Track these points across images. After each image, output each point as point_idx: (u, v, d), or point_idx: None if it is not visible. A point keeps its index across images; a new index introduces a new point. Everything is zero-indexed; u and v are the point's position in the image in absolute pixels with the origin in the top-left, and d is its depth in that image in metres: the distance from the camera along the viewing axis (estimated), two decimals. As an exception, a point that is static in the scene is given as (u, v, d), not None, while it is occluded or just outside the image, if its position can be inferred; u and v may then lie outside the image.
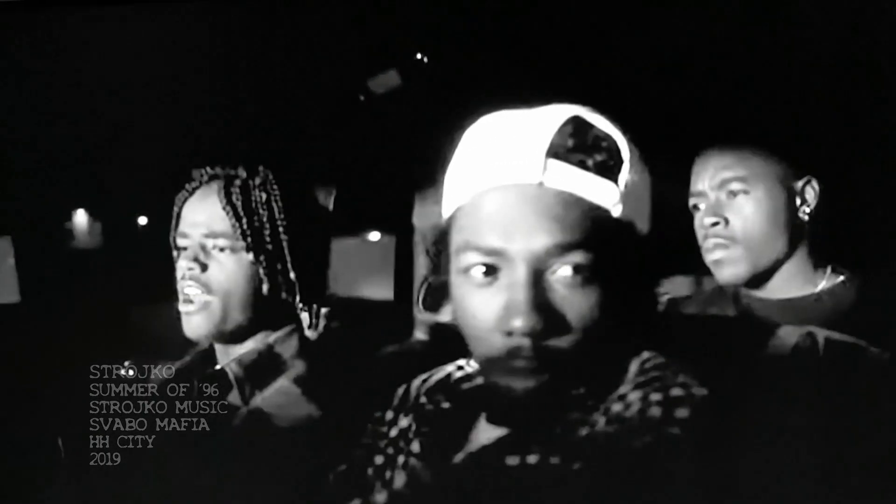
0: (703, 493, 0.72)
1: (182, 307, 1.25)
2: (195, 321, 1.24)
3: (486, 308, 0.77)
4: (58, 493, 1.20)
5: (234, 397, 1.25)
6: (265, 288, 1.25)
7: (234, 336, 1.27)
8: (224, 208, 1.24)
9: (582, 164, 0.76)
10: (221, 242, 1.24)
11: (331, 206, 1.79)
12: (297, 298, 1.28)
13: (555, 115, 0.79)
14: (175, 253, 1.29)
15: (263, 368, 1.26)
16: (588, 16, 1.06)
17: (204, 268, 1.24)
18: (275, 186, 1.28)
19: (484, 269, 0.77)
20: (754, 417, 0.89)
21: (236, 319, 1.26)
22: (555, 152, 0.76)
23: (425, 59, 1.16)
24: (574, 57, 1.20)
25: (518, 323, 0.74)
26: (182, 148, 1.50)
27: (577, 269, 0.75)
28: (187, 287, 1.24)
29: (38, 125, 1.39)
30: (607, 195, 0.77)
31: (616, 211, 0.77)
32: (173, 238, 1.29)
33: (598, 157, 0.76)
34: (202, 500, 1.13)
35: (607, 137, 0.78)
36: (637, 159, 0.81)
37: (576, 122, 0.78)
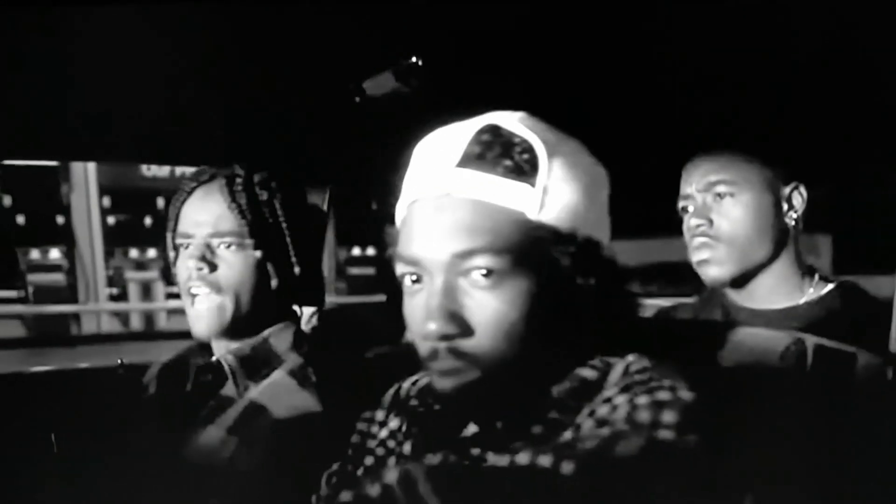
0: (694, 497, 0.73)
1: (191, 308, 1.24)
2: (206, 321, 1.23)
3: (415, 314, 0.82)
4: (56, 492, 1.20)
5: (229, 389, 1.25)
6: (274, 283, 1.26)
7: (240, 332, 1.26)
8: (229, 206, 1.24)
9: (492, 171, 0.78)
10: (228, 240, 1.23)
11: (324, 206, 1.79)
12: (299, 294, 1.29)
13: (472, 125, 0.81)
14: (173, 253, 1.27)
15: (258, 361, 1.27)
16: (583, 21, 1.07)
17: (213, 268, 1.23)
18: (273, 185, 1.29)
19: (414, 277, 0.82)
20: (743, 422, 0.90)
21: (245, 316, 1.25)
22: (465, 162, 0.79)
23: (421, 62, 1.17)
24: (569, 62, 1.20)
25: (429, 327, 0.78)
26: (179, 148, 1.50)
27: (484, 273, 0.77)
28: (195, 287, 1.23)
29: (35, 123, 1.39)
30: (521, 198, 0.78)
31: (533, 213, 0.78)
32: (171, 238, 1.27)
33: (509, 163, 0.78)
34: (200, 490, 1.13)
35: (522, 143, 0.79)
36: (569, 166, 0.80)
37: (489, 130, 0.80)
